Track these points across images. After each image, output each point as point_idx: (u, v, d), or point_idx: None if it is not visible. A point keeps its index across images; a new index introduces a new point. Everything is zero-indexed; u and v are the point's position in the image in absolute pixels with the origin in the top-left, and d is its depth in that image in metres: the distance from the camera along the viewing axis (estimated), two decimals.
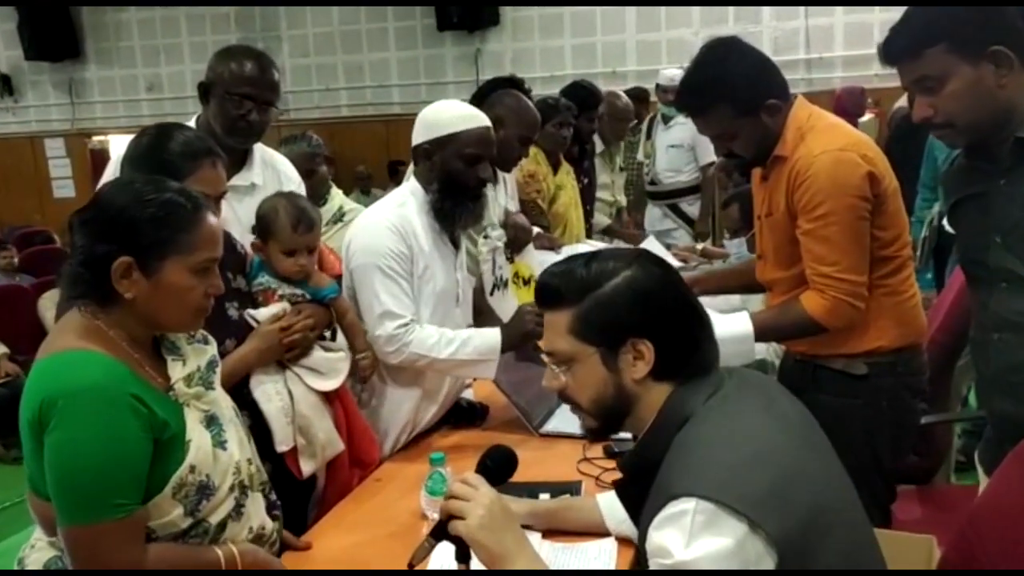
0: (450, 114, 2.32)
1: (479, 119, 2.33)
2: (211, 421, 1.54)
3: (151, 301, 1.46)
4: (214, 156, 1.86)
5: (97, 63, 9.37)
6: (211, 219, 1.52)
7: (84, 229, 1.46)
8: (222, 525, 1.53)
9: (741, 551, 1.14)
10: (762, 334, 2.13)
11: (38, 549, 1.53)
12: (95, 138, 9.31)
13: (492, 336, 2.30)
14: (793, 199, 2.03)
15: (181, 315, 1.52)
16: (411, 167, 2.52)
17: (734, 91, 2.01)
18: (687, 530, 1.16)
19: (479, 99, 3.15)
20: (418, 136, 2.33)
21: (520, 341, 2.32)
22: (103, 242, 1.43)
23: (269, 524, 1.68)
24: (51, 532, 1.49)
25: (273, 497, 1.76)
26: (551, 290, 1.37)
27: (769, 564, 1.16)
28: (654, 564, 1.22)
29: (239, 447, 1.59)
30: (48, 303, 5.53)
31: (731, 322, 2.11)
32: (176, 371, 1.53)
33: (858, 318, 2.03)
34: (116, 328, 1.47)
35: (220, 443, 1.54)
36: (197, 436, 1.49)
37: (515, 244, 3.17)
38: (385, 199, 2.41)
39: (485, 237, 3.01)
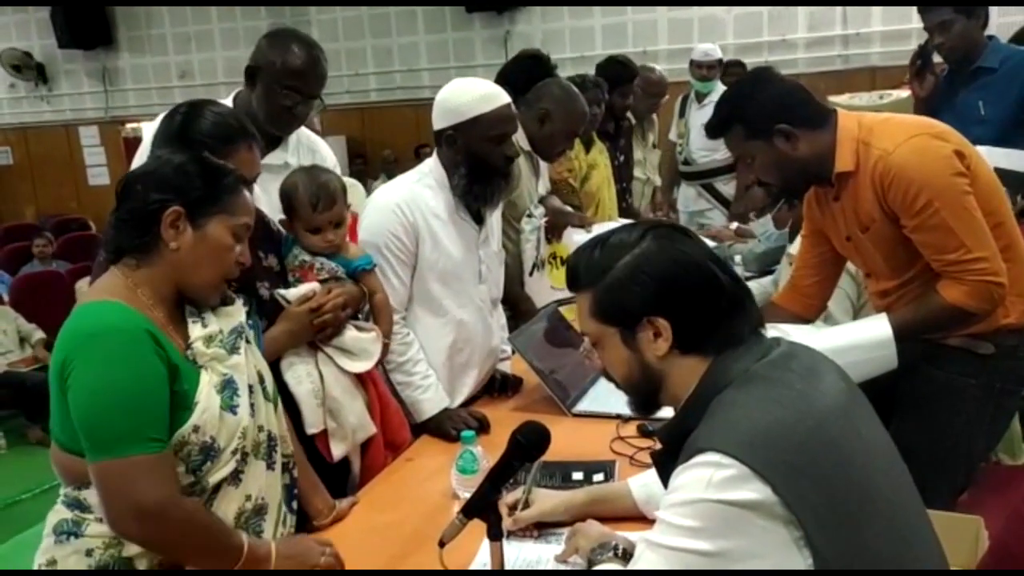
0: (470, 96, 2.27)
1: (499, 97, 2.29)
2: (226, 385, 1.53)
3: (191, 254, 1.51)
4: (249, 139, 1.83)
5: (129, 51, 9.43)
6: (248, 194, 1.62)
7: (139, 182, 1.52)
8: (217, 487, 1.51)
9: (757, 506, 1.14)
10: (904, 334, 2.00)
11: (55, 512, 1.52)
12: (129, 125, 9.34)
13: (427, 405, 2.28)
14: (887, 202, 1.97)
15: (213, 275, 1.56)
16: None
17: (745, 113, 2.06)
18: (707, 480, 1.16)
19: (508, 79, 3.11)
20: (439, 121, 2.30)
21: (438, 434, 2.27)
22: (158, 192, 1.49)
23: (277, 497, 1.63)
24: (72, 483, 1.49)
25: (295, 474, 1.72)
26: (571, 274, 1.40)
27: (786, 534, 1.14)
28: (665, 502, 1.22)
29: (250, 412, 1.56)
30: (85, 288, 5.59)
31: (868, 327, 2.04)
32: (196, 331, 1.53)
33: (1004, 294, 1.96)
34: (145, 286, 1.50)
35: (231, 407, 1.52)
36: (205, 399, 1.48)
37: (552, 228, 3.14)
38: (403, 175, 2.42)
39: (529, 216, 2.99)
